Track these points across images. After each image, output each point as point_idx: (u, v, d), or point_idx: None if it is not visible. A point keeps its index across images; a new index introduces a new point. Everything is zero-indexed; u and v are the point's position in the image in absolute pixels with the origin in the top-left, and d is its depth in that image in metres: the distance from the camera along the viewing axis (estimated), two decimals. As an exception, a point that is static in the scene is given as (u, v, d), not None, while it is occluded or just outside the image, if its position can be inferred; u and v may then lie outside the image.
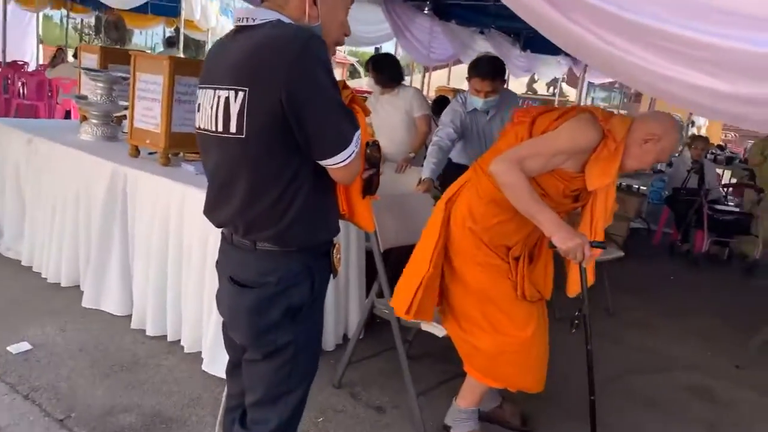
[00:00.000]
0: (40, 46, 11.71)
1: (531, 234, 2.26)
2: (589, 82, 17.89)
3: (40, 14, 11.15)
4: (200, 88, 1.50)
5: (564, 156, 2.06)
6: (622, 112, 16.22)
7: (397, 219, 2.69)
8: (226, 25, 10.14)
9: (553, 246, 2.03)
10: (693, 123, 10.99)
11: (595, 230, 2.15)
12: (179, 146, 3.21)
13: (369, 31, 6.79)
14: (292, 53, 1.29)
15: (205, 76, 1.48)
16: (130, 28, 13.88)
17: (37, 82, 7.86)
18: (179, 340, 2.91)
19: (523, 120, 2.20)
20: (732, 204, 6.78)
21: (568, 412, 2.63)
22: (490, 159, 2.12)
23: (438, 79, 11.45)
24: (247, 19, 1.39)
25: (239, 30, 1.41)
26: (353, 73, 18.16)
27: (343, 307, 3.14)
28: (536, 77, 12.99)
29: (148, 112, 3.21)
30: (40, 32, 11.68)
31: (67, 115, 7.06)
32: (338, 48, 1.73)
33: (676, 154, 6.45)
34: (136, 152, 3.31)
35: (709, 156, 7.21)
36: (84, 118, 3.89)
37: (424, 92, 7.99)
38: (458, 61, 9.00)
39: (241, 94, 1.33)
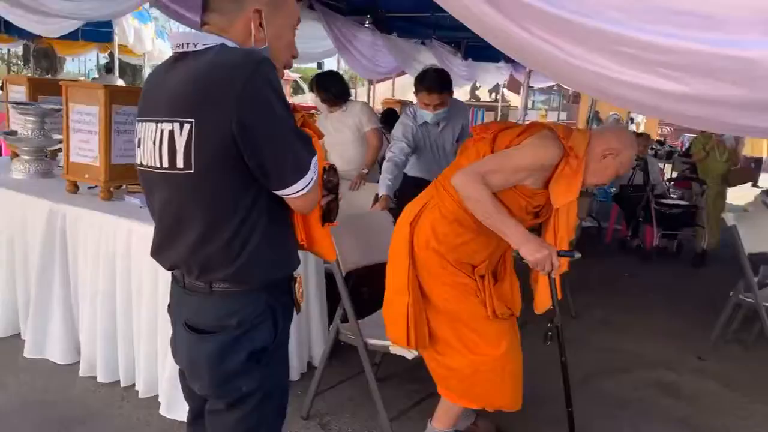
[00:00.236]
0: (-36, 79, 11.14)
1: (495, 251, 2.23)
2: (529, 87, 18.36)
3: (-37, 46, 10.63)
4: (139, 121, 1.39)
5: (526, 172, 2.04)
6: (563, 114, 16.65)
7: (358, 239, 2.61)
8: (163, 49, 9.87)
9: (520, 258, 2.00)
10: (632, 120, 11.34)
11: (559, 245, 2.13)
12: (121, 179, 3.05)
13: (311, 47, 6.71)
14: (241, 79, 1.20)
15: (145, 109, 1.37)
16: (61, 56, 13.43)
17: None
18: (134, 385, 2.74)
19: (483, 136, 2.17)
20: (675, 197, 6.98)
21: (545, 423, 2.59)
22: (451, 175, 2.07)
23: (382, 91, 11.46)
24: (187, 44, 1.29)
25: (179, 57, 1.31)
26: (296, 90, 18.01)
27: (305, 333, 3.04)
28: (478, 84, 13.15)
29: (84, 145, 3.04)
30: (-36, 65, 11.14)
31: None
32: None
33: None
34: (74, 188, 3.12)
35: (650, 152, 7.42)
36: (15, 155, 3.66)
37: (370, 105, 7.95)
38: (402, 72, 9.01)
39: (186, 126, 1.23)
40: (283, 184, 1.30)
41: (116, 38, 7.44)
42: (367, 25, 7.14)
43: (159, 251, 1.43)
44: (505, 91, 14.63)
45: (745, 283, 3.41)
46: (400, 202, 3.32)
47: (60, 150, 3.47)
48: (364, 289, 3.55)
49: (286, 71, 1.62)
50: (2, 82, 5.94)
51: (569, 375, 2.21)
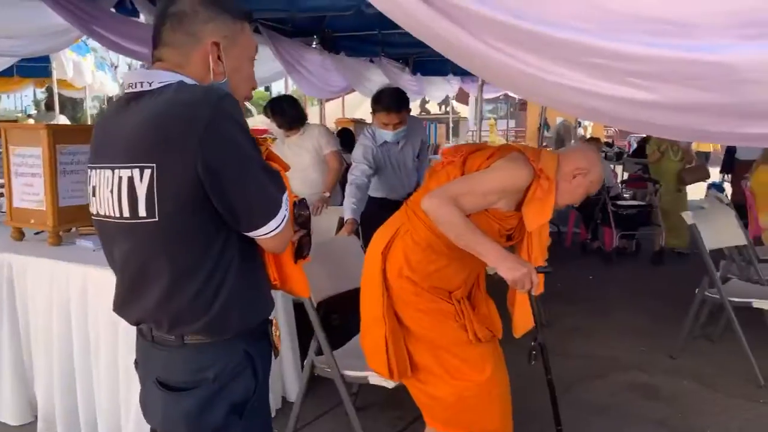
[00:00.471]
0: None
1: (470, 275, 2.20)
2: (477, 99, 18.64)
3: None
4: (92, 168, 1.28)
5: (496, 195, 2.01)
6: (511, 121, 16.98)
7: (327, 267, 2.53)
8: (104, 81, 9.57)
9: (495, 276, 1.96)
10: (580, 124, 11.59)
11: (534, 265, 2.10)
12: (71, 221, 2.90)
13: (260, 70, 6.60)
14: (204, 118, 1.12)
15: (97, 154, 1.27)
16: (-5, 94, 12.89)
17: None
18: (97, 441, 2.57)
19: (453, 159, 2.14)
20: (627, 196, 7.13)
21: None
22: (421, 199, 2.03)
23: (332, 110, 11.39)
24: (142, 83, 1.20)
25: (133, 97, 1.22)
26: (246, 113, 17.82)
27: (277, 367, 2.92)
28: (427, 98, 13.27)
29: (28, 189, 2.87)
30: None
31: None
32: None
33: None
34: (19, 235, 2.95)
35: (601, 155, 7.59)
36: (-49, 204, 3.46)
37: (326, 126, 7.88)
38: (351, 90, 9.00)
39: (147, 172, 1.14)
40: (254, 226, 1.22)
41: (54, 73, 7.16)
42: (314, 46, 7.10)
43: (123, 306, 1.32)
44: (454, 102, 14.80)
45: (710, 280, 3.46)
46: (364, 225, 3.26)
47: (2, 195, 3.27)
48: (334, 315, 3.46)
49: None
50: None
51: (549, 386, 2.17)
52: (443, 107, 15.64)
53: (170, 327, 1.25)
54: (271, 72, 6.93)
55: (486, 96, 11.25)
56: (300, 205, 1.44)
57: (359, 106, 12.48)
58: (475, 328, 2.09)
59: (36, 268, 2.65)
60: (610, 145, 10.34)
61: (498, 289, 2.25)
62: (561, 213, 7.38)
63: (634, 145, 11.25)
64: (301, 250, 1.46)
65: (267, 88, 8.97)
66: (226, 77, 1.28)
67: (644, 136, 8.42)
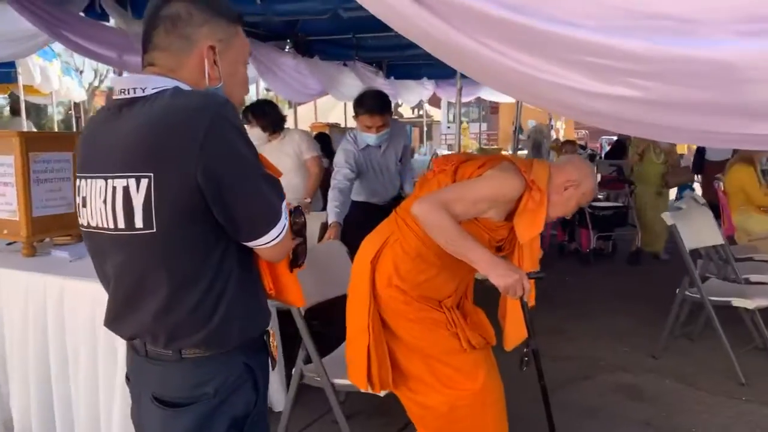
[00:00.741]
0: None
1: (460, 285, 2.18)
2: (449, 102, 18.71)
3: None
4: (82, 177, 1.22)
5: (487, 203, 1.99)
6: (484, 124, 17.10)
7: (314, 274, 2.46)
8: (71, 87, 9.35)
9: (483, 283, 1.95)
10: (552, 126, 11.72)
11: None
12: (45, 232, 2.80)
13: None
14: (204, 125, 1.07)
15: (87, 163, 1.21)
16: (-44, 100, 12.51)
17: None
18: (76, 457, 2.48)
19: (444, 168, 2.12)
20: (601, 197, 7.22)
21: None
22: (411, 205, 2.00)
23: (304, 113, 11.29)
24: (135, 89, 1.14)
25: (125, 104, 1.16)
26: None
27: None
28: (400, 102, 13.28)
29: (0, 198, 2.77)
30: None
31: None
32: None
33: (553, 159, 6.78)
34: (-9, 246, 2.84)
35: (591, 166, 7.63)
36: None
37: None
38: (325, 94, 8.95)
39: (144, 182, 1.09)
40: (255, 235, 1.18)
41: (20, 78, 6.95)
42: (287, 50, 7.05)
43: (115, 321, 1.26)
44: (427, 106, 14.85)
45: (690, 279, 3.51)
46: (346, 228, 3.23)
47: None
48: (314, 322, 3.41)
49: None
50: None
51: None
52: (416, 111, 15.68)
53: (168, 341, 1.19)
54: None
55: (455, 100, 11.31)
56: (296, 212, 1.40)
57: (332, 110, 12.44)
58: (468, 335, 2.07)
59: (10, 280, 2.55)
60: (583, 147, 10.48)
61: (489, 297, 2.24)
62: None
63: (606, 147, 11.44)
64: (296, 259, 1.42)
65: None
66: (221, 82, 1.23)
67: (617, 138, 8.56)
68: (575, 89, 1.42)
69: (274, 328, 2.89)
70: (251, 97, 7.79)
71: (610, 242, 6.42)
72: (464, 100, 11.45)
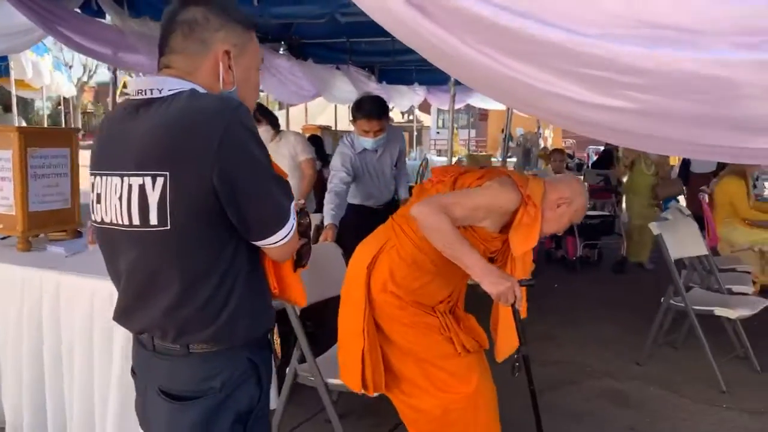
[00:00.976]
0: None
1: (453, 292, 2.23)
2: (438, 109, 18.79)
3: None
4: (97, 175, 1.25)
5: (484, 211, 2.04)
6: (473, 131, 17.20)
7: (310, 275, 2.48)
8: (61, 82, 9.30)
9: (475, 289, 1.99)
10: (540, 135, 11.84)
11: None
12: (41, 227, 2.81)
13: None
14: (220, 127, 1.11)
15: (103, 161, 1.24)
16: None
17: None
18: (68, 454, 2.49)
19: (443, 179, 2.19)
20: (588, 206, 7.30)
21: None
22: (409, 215, 2.06)
23: (294, 115, 11.32)
24: (152, 90, 1.18)
25: (142, 104, 1.20)
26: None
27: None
28: (391, 106, 13.34)
29: (-4, 193, 2.78)
30: None
31: None
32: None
33: (542, 167, 6.86)
34: (-14, 240, 2.85)
35: (584, 185, 7.70)
36: None
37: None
38: (316, 96, 8.99)
39: (160, 180, 1.13)
40: (265, 234, 1.22)
41: (12, 73, 6.92)
42: (282, 52, 7.08)
43: (125, 315, 1.29)
44: (417, 111, 14.91)
45: (674, 288, 3.59)
46: (342, 230, 3.27)
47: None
48: (308, 323, 3.44)
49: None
50: None
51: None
52: (406, 116, 15.74)
53: (176, 336, 1.23)
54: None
55: (446, 107, 11.39)
56: (301, 213, 1.44)
57: (322, 112, 12.45)
58: (462, 339, 2.12)
59: (5, 274, 2.56)
60: (571, 156, 10.59)
61: (481, 305, 2.30)
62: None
63: (594, 157, 11.56)
64: (300, 259, 1.46)
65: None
66: (235, 86, 1.27)
67: (605, 147, 8.66)
68: (571, 99, 1.45)
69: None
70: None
71: (596, 250, 6.50)
72: (455, 106, 11.54)
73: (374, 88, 9.07)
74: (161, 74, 1.24)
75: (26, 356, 2.50)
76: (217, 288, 1.20)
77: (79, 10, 4.83)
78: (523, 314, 2.12)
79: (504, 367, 2.17)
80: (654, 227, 3.65)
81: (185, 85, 1.20)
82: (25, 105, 16.23)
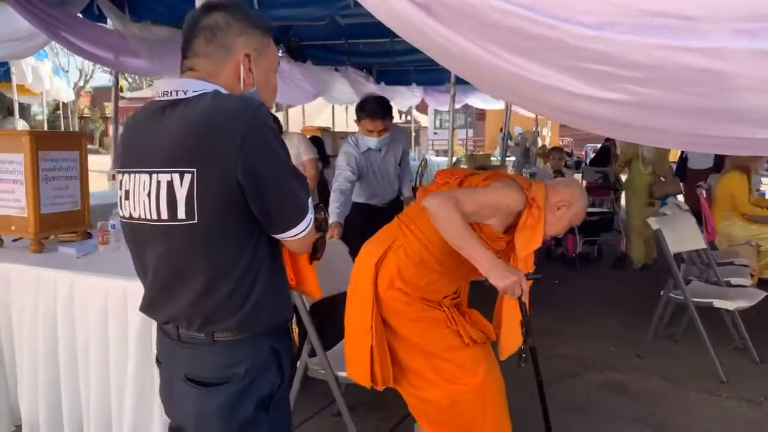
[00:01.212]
0: None
1: (459, 288, 2.30)
2: (436, 109, 18.87)
3: None
4: (125, 172, 1.31)
5: (491, 209, 2.10)
6: (470, 131, 17.25)
7: (318, 271, 2.57)
8: (60, 87, 9.35)
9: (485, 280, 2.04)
10: (538, 133, 11.92)
11: None
12: (52, 228, 2.86)
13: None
14: (244, 125, 1.18)
15: (131, 159, 1.31)
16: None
17: None
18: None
19: (447, 181, 2.24)
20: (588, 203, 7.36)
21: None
22: (416, 216, 2.12)
23: (292, 116, 11.36)
24: (178, 92, 1.24)
25: (168, 105, 1.26)
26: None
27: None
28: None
29: (8, 195, 2.82)
30: None
31: None
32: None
33: (540, 166, 6.92)
34: (-2, 242, 2.89)
35: (582, 187, 7.73)
36: None
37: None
38: (317, 96, 9.06)
39: (188, 177, 1.19)
40: (285, 228, 1.29)
41: (14, 78, 6.97)
42: (281, 54, 7.15)
43: (152, 306, 1.35)
44: (415, 111, 14.98)
45: (674, 282, 3.65)
46: (347, 228, 3.33)
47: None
48: (314, 319, 3.50)
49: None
50: None
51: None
52: (404, 116, 15.81)
53: (202, 325, 1.29)
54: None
55: (445, 107, 11.46)
56: (317, 208, 1.50)
57: (320, 114, 12.51)
58: (469, 330, 2.17)
59: (20, 275, 2.60)
60: (569, 154, 10.67)
61: (486, 301, 2.37)
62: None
63: (591, 155, 11.63)
64: (315, 252, 1.53)
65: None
66: (255, 87, 1.34)
67: (602, 144, 8.73)
68: (571, 93, 1.49)
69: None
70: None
71: (595, 247, 6.57)
72: (446, 108, 11.59)
73: (373, 89, 9.13)
74: (185, 76, 1.31)
75: (42, 355, 2.54)
76: (241, 279, 1.26)
77: (80, 15, 4.89)
78: (526, 298, 2.18)
79: (510, 359, 2.23)
80: (653, 222, 3.72)
81: (208, 87, 1.26)
82: (22, 110, 16.21)
